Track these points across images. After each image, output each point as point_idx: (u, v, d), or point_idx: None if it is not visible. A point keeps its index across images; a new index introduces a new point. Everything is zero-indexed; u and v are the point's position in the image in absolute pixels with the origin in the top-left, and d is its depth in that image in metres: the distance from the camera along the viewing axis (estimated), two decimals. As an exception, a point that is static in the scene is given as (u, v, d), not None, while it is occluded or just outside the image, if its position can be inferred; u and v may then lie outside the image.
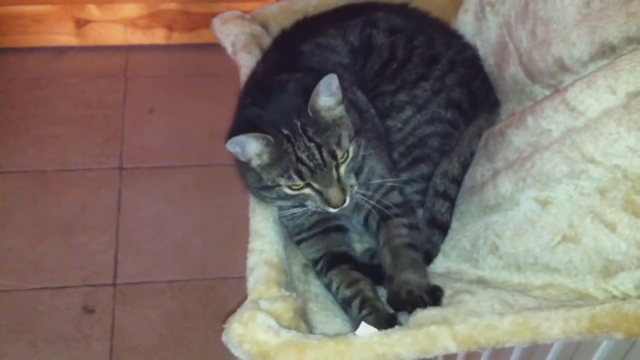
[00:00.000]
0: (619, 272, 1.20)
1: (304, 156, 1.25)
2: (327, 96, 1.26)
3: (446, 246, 1.47)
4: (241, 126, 1.28)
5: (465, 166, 1.52)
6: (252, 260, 1.28)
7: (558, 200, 1.26)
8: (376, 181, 1.41)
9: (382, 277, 1.39)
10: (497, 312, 1.17)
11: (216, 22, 1.86)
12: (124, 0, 2.62)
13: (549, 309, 1.16)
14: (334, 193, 1.28)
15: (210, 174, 2.27)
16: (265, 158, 1.27)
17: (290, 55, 1.53)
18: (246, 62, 1.66)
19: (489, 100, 1.59)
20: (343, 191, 1.29)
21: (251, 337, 1.08)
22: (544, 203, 1.28)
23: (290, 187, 1.28)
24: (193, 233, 2.09)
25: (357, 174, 1.37)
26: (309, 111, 1.25)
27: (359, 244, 1.53)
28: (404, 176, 1.49)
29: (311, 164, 1.25)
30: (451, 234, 1.49)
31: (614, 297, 1.21)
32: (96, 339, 1.81)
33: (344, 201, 1.29)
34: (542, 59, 1.40)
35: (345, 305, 1.36)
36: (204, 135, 2.36)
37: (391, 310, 1.32)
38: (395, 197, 1.46)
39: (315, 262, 1.44)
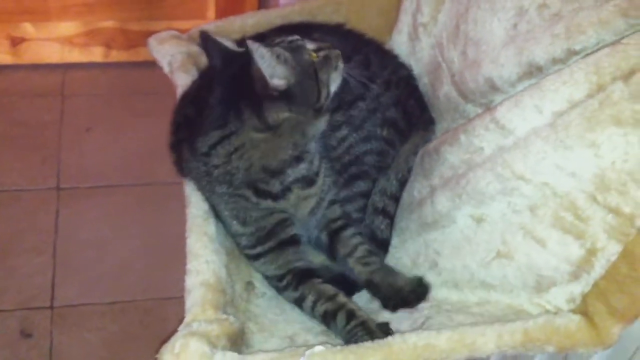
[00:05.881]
0: (551, 287, 1.23)
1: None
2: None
3: (389, 264, 1.48)
4: None
5: (402, 183, 1.54)
6: (189, 281, 1.27)
7: (492, 217, 1.29)
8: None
9: (351, 288, 1.41)
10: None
11: (152, 42, 1.85)
12: (61, 18, 2.59)
13: (484, 324, 1.18)
14: None
15: (150, 193, 2.25)
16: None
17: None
18: (183, 82, 1.66)
19: (424, 119, 1.62)
20: None
21: (184, 368, 1.07)
22: (479, 220, 1.31)
23: None
24: (133, 253, 2.06)
25: (313, 182, 1.40)
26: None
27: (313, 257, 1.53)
28: (343, 194, 1.50)
29: None
30: (392, 251, 1.50)
31: (547, 311, 1.23)
32: (34, 364, 1.77)
33: None
34: (473, 79, 1.43)
35: (327, 318, 1.35)
36: (143, 154, 2.34)
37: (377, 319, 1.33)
38: (336, 210, 1.47)
39: (279, 278, 1.42)
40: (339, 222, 1.46)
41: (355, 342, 1.24)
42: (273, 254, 1.42)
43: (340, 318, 1.32)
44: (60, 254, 2.04)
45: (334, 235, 1.46)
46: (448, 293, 1.36)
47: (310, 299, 1.38)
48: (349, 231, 1.45)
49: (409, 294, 1.34)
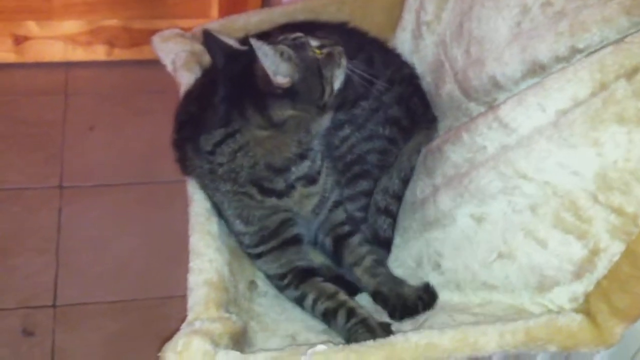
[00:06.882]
0: (554, 287, 1.22)
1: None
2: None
3: (393, 265, 1.47)
4: None
5: (405, 182, 1.54)
6: (192, 280, 1.26)
7: (492, 216, 1.28)
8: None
9: (352, 290, 1.41)
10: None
11: (156, 40, 1.85)
12: (64, 17, 2.59)
13: (486, 323, 1.18)
14: None
15: (153, 192, 2.25)
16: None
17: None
18: (187, 80, 1.65)
19: (427, 117, 1.61)
20: None
21: (186, 367, 1.07)
22: (479, 219, 1.30)
23: None
24: (135, 252, 2.06)
25: (315, 180, 1.39)
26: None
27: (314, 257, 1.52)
28: (345, 193, 1.50)
29: None
30: (395, 251, 1.50)
31: (550, 310, 1.23)
32: (36, 363, 1.77)
33: None
34: (476, 77, 1.42)
35: (328, 317, 1.35)
36: (145, 152, 2.34)
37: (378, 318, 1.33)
38: (341, 213, 1.47)
39: (281, 277, 1.42)
40: (345, 228, 1.46)
41: (356, 340, 1.24)
42: (275, 252, 1.42)
43: (341, 316, 1.32)
44: (63, 252, 2.04)
45: (339, 241, 1.45)
46: (450, 295, 1.35)
47: (310, 298, 1.37)
48: (356, 238, 1.45)
49: (416, 303, 1.33)
